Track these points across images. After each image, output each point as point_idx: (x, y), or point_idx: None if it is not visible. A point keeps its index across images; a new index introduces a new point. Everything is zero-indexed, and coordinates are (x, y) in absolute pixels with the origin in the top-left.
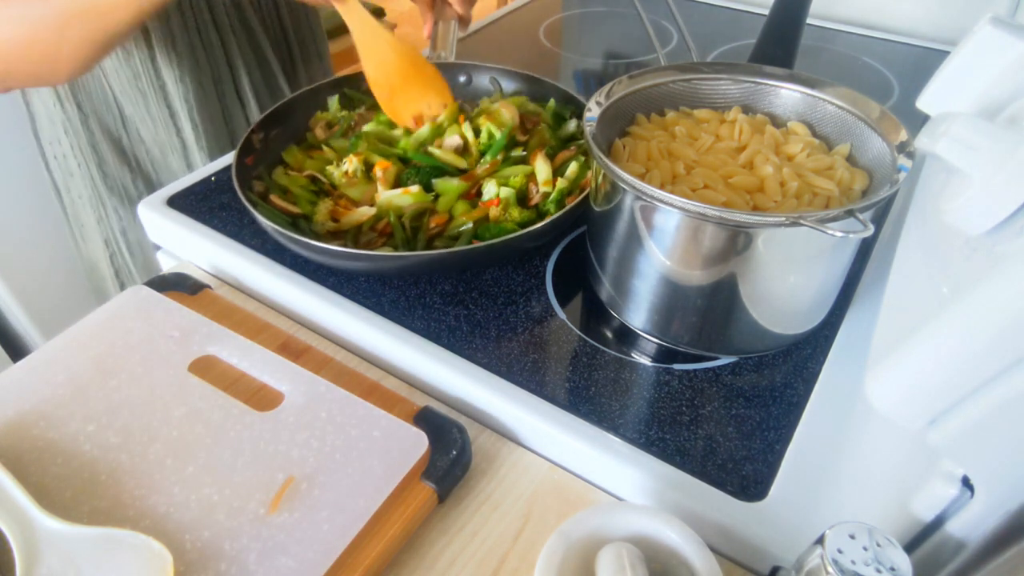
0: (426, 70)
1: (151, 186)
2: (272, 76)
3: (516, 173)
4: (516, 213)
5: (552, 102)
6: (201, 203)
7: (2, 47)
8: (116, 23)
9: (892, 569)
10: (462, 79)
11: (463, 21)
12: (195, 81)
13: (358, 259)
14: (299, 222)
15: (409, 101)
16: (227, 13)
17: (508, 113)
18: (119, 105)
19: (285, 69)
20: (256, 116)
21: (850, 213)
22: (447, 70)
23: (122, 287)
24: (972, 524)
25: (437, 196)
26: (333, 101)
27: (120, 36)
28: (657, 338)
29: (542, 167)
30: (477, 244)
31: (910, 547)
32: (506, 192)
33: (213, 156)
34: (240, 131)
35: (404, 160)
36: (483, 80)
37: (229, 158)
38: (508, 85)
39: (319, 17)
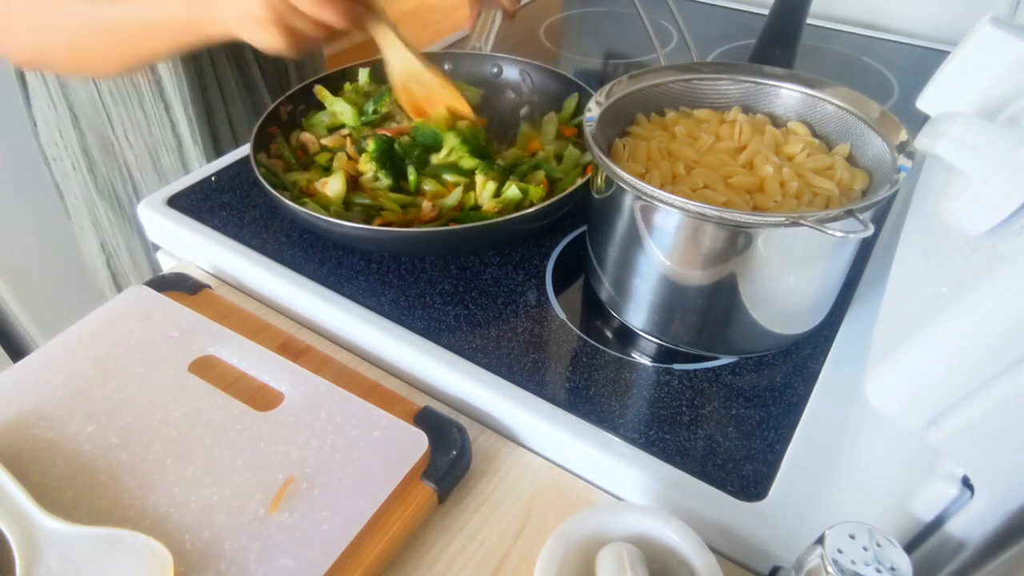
0: (448, 89)
1: (139, 191)
2: (251, 76)
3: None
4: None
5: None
6: (201, 203)
7: (55, 48)
8: (156, 48)
9: (892, 569)
10: (493, 70)
11: (508, 14)
12: (188, 74)
13: (358, 232)
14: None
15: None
16: None
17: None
18: (107, 108)
19: (272, 69)
20: (241, 114)
21: (850, 213)
22: (479, 61)
23: (119, 290)
24: (972, 524)
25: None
26: (364, 73)
27: (156, 58)
28: (657, 338)
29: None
30: (465, 225)
31: (910, 547)
32: (514, 194)
33: (208, 154)
34: (223, 129)
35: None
36: (513, 72)
37: (229, 158)
38: (537, 79)
39: None
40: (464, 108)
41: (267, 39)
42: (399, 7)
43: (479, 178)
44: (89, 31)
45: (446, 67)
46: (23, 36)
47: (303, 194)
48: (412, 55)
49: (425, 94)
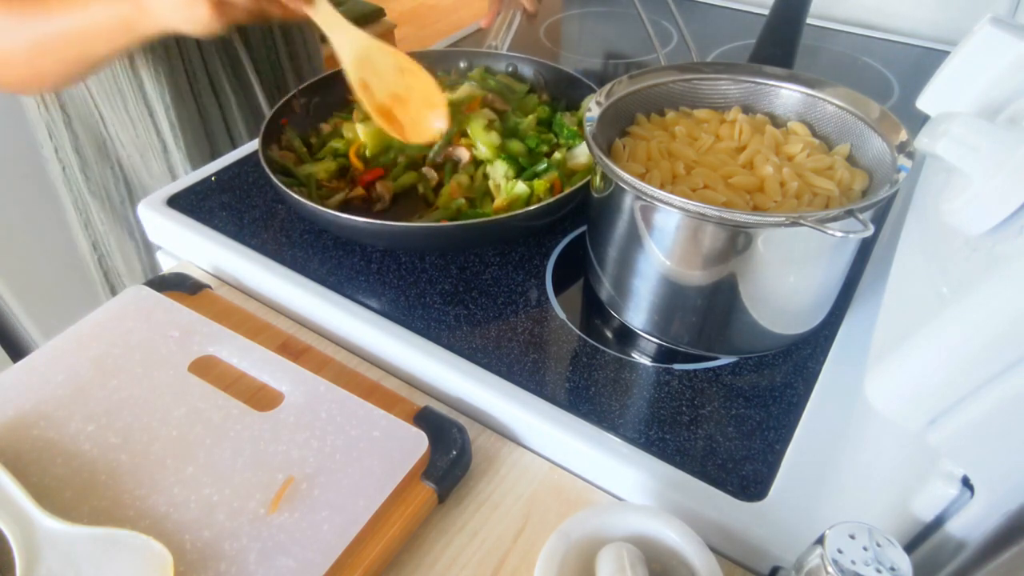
0: (420, 76)
1: (132, 191)
2: (246, 75)
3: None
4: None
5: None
6: (201, 203)
7: None
8: (95, 52)
9: (892, 569)
10: (508, 70)
11: (528, 15)
12: (171, 82)
13: (355, 225)
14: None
15: (411, 115)
16: None
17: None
18: (99, 108)
19: (268, 71)
20: (236, 118)
21: (850, 213)
22: (494, 60)
23: (112, 290)
24: (972, 524)
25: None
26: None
27: (101, 63)
28: (657, 338)
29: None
30: (464, 222)
31: (910, 547)
32: (521, 190)
33: (192, 159)
34: (218, 133)
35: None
36: (527, 72)
37: (229, 158)
38: (550, 80)
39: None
40: (439, 99)
41: (199, 16)
42: (399, 7)
43: (499, 165)
44: (32, 39)
45: (461, 65)
46: None
47: (320, 186)
48: (365, 35)
49: (388, 87)
